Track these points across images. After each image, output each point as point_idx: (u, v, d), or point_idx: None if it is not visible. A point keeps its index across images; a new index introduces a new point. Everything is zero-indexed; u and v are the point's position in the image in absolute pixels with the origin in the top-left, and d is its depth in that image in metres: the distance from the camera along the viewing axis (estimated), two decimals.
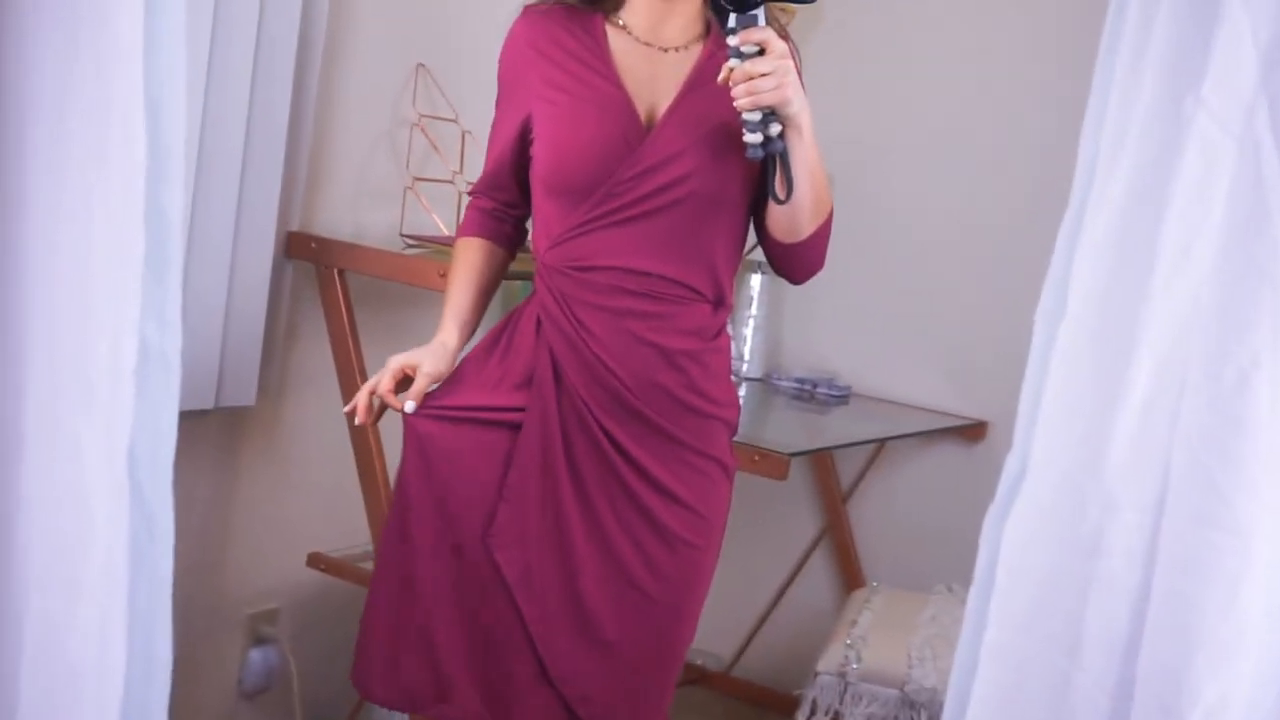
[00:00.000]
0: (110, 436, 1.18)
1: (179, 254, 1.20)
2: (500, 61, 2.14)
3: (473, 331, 2.18)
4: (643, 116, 2.03)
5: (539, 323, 2.06)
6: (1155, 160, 1.07)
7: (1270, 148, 1.02)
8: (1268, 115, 1.02)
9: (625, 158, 2.00)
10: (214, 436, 2.77)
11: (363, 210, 2.96)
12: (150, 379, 1.21)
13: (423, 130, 2.97)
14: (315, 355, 2.87)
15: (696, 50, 2.08)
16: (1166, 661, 1.13)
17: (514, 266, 2.52)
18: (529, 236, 2.21)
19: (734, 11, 1.86)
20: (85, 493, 1.18)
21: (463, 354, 2.15)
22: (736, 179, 2.03)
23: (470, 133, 2.93)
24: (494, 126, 2.15)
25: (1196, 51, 1.04)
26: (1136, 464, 1.15)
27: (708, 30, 2.10)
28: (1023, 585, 1.21)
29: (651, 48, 2.07)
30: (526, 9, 2.10)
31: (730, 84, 1.87)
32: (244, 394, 2.70)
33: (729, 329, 2.16)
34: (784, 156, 1.91)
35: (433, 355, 2.09)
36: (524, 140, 2.09)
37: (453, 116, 2.98)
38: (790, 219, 2.02)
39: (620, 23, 2.08)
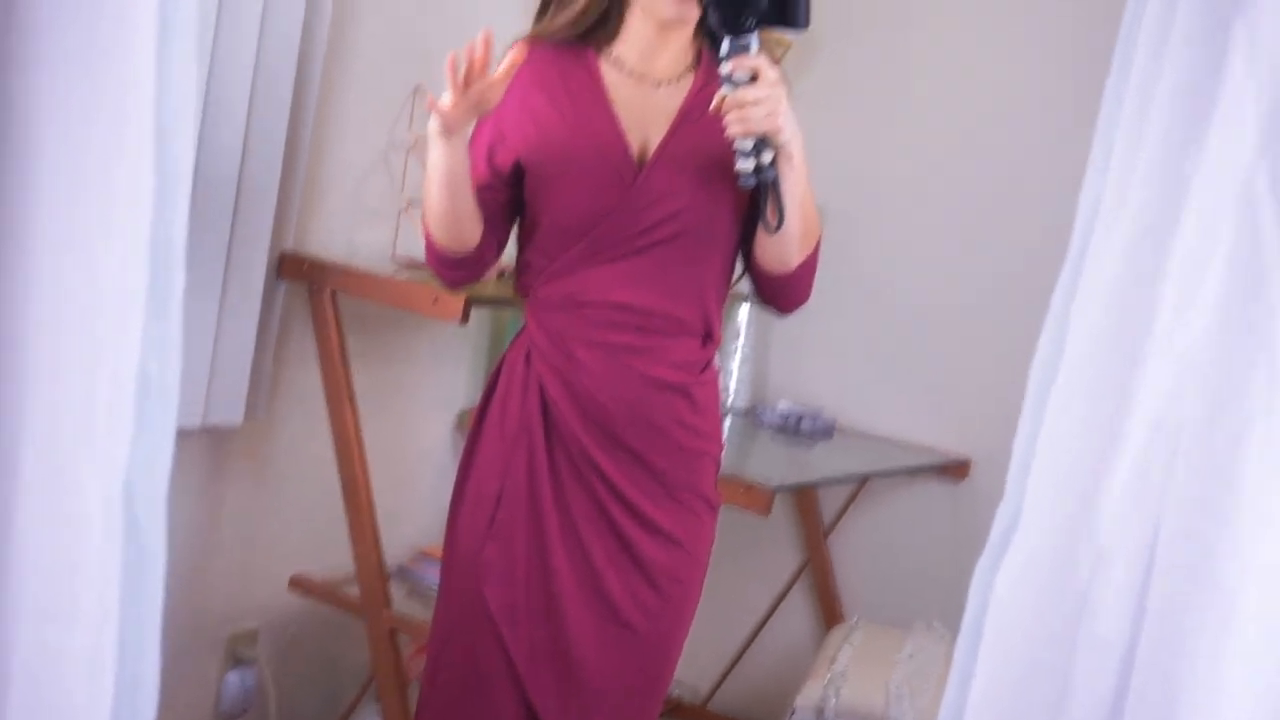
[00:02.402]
0: (108, 469, 1.18)
1: (181, 285, 1.20)
2: None
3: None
4: (635, 151, 2.04)
5: (528, 357, 2.07)
6: (1156, 217, 1.08)
7: (1269, 211, 1.03)
8: (1268, 178, 1.03)
9: (619, 195, 2.01)
10: (199, 455, 2.77)
11: (357, 232, 2.96)
12: (149, 412, 1.21)
13: (418, 153, 2.97)
14: (305, 376, 2.87)
15: (687, 82, 2.09)
16: None
17: (500, 292, 2.52)
18: (509, 267, 2.20)
19: (728, 36, 1.87)
20: (81, 524, 1.18)
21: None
22: (726, 212, 2.04)
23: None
24: (471, 142, 2.11)
25: (1199, 111, 1.06)
26: (1128, 520, 1.16)
27: (698, 61, 2.11)
28: (1011, 638, 1.22)
29: (644, 81, 2.08)
30: (520, 42, 2.10)
31: (722, 111, 1.88)
32: (231, 413, 2.70)
33: (716, 361, 2.18)
34: (775, 185, 1.92)
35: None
36: (493, 159, 2.09)
37: None
38: (780, 249, 2.03)
39: (613, 56, 2.09)
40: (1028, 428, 1.21)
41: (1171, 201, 1.06)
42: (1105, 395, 1.13)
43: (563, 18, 2.08)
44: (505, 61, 1.93)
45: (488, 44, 1.88)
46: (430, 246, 2.11)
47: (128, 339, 1.18)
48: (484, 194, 2.07)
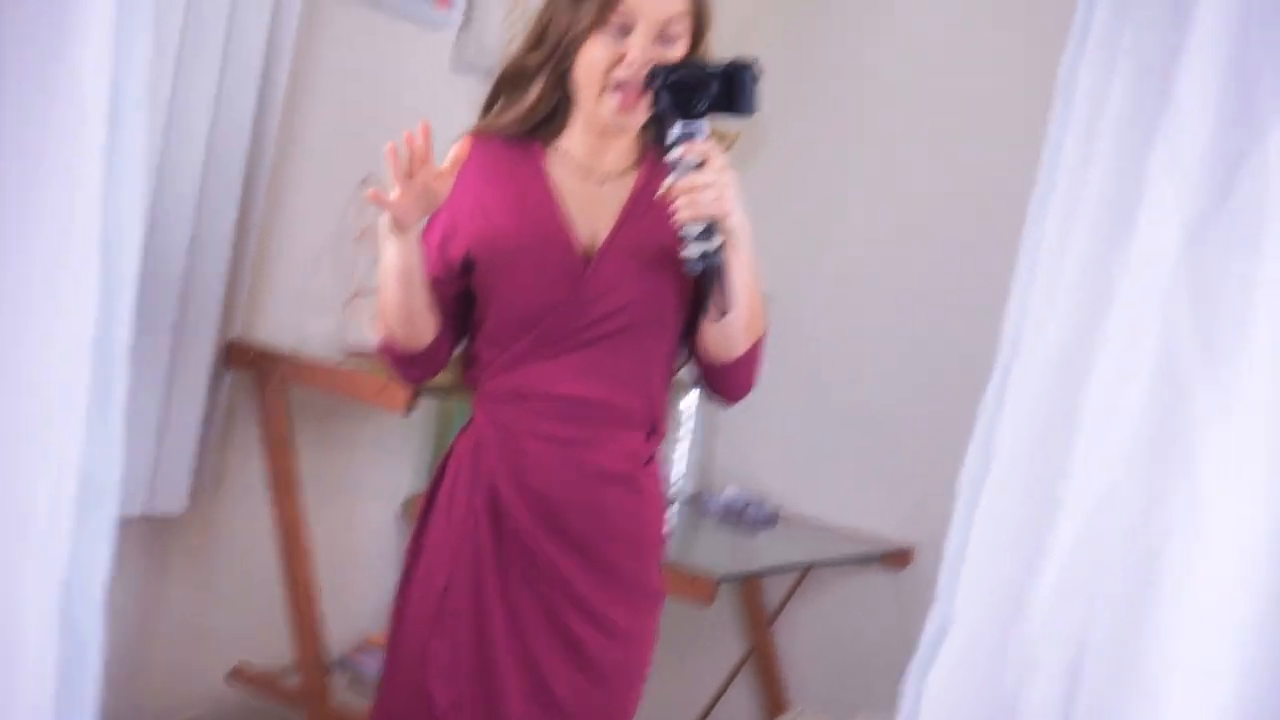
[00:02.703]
0: (47, 567, 1.18)
1: (124, 388, 1.21)
2: None
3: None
4: (583, 245, 2.06)
5: (477, 448, 2.08)
6: (1078, 331, 1.11)
7: (1188, 323, 1.06)
8: (1187, 290, 1.07)
9: (568, 287, 2.03)
10: (141, 543, 2.75)
11: (305, 320, 2.97)
12: (89, 511, 1.21)
13: (367, 242, 2.99)
14: (249, 464, 2.87)
15: (632, 177, 2.11)
16: None
17: (445, 382, 2.52)
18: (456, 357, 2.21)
19: (679, 121, 1.91)
20: (18, 622, 1.18)
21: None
22: (673, 303, 2.07)
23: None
24: (424, 236, 2.11)
25: (1122, 223, 1.09)
26: (1056, 627, 1.18)
27: (642, 157, 2.14)
28: None
29: (590, 176, 2.10)
30: (465, 136, 2.13)
31: (672, 196, 1.90)
32: (174, 502, 2.69)
33: (660, 452, 2.19)
34: (723, 271, 1.94)
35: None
36: (446, 252, 2.09)
37: None
38: (726, 336, 2.04)
39: (559, 151, 2.12)
40: (958, 534, 1.23)
41: (1095, 316, 1.09)
42: (1033, 504, 1.15)
43: (510, 114, 2.10)
44: (450, 154, 1.95)
45: (426, 134, 1.90)
46: (386, 344, 2.11)
47: (69, 440, 1.19)
48: (438, 287, 2.07)
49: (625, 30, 1.99)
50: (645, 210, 2.06)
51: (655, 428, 2.13)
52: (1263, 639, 1.10)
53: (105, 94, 1.22)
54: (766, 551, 3.48)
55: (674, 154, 1.90)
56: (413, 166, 1.90)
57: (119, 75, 1.22)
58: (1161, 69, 1.03)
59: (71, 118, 1.20)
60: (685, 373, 2.22)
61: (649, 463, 2.13)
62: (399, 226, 1.95)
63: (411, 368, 2.14)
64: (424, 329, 2.06)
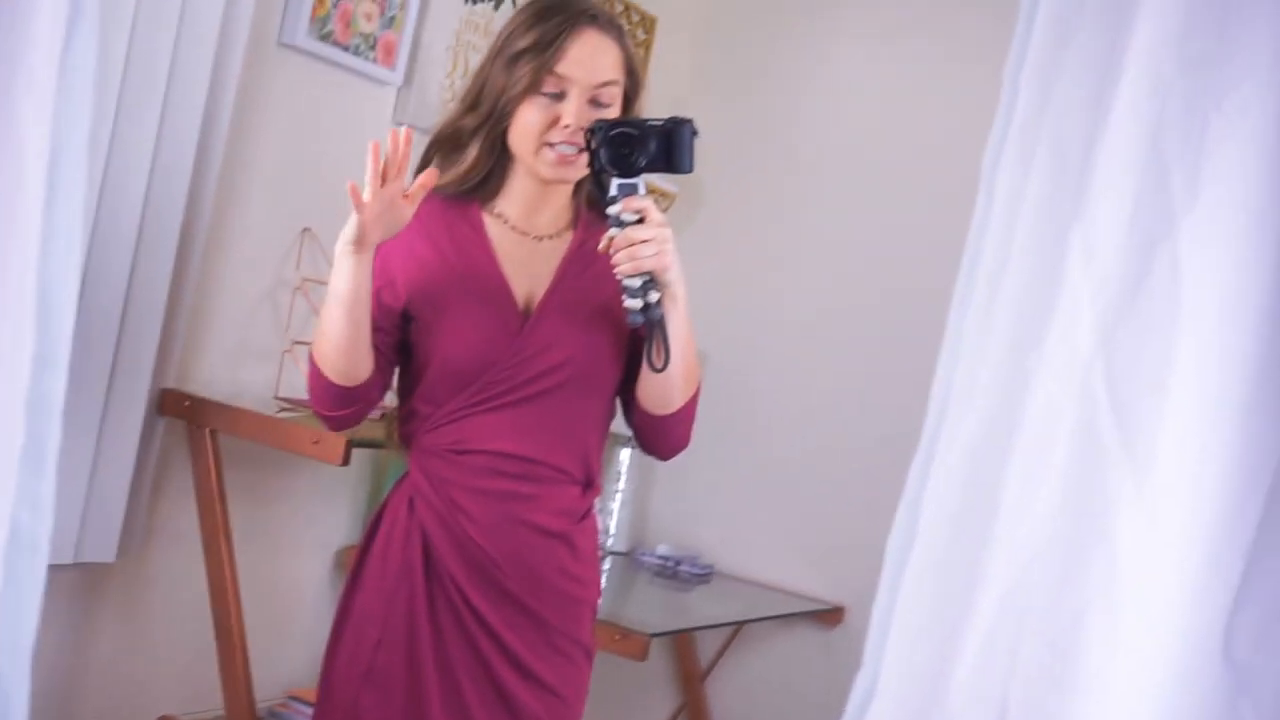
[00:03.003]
0: None
1: (58, 441, 1.21)
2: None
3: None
4: (520, 303, 2.08)
5: (411, 503, 2.08)
6: (1000, 410, 1.14)
7: (1105, 406, 1.09)
8: (1103, 375, 1.10)
9: (506, 343, 2.05)
10: (70, 591, 2.72)
11: (240, 370, 2.97)
12: (18, 564, 1.21)
13: (305, 294, 3.00)
14: (180, 513, 2.85)
15: (568, 237, 2.15)
16: None
17: (378, 434, 2.51)
18: (391, 409, 2.21)
19: (617, 178, 1.93)
20: None
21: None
22: (609, 359, 2.09)
23: None
24: None
25: (1040, 312, 1.12)
26: (978, 694, 1.20)
27: (577, 219, 2.17)
28: None
29: (526, 236, 2.13)
30: (430, 170, 2.14)
31: (611, 250, 1.93)
32: (104, 550, 2.67)
33: (596, 506, 2.20)
34: (662, 324, 1.97)
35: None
36: (383, 299, 2.08)
37: None
38: (663, 389, 2.07)
39: (495, 212, 2.14)
40: (885, 598, 1.25)
41: (1015, 394, 1.12)
42: (956, 572, 1.17)
43: (449, 174, 2.13)
44: (418, 180, 1.97)
45: (408, 139, 1.92)
46: (318, 383, 2.07)
47: (1, 493, 1.18)
48: (374, 335, 2.08)
49: (560, 95, 2.03)
50: (582, 269, 2.09)
51: (591, 482, 2.15)
52: (1179, 704, 1.12)
53: (46, 144, 1.22)
54: (700, 608, 3.50)
55: (613, 209, 1.93)
56: (390, 170, 1.91)
57: (60, 125, 1.22)
58: (1079, 158, 1.06)
59: (10, 168, 1.21)
60: (621, 428, 2.24)
61: (584, 518, 2.14)
62: (359, 242, 1.94)
63: (340, 407, 2.09)
64: (362, 363, 2.03)
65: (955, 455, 1.14)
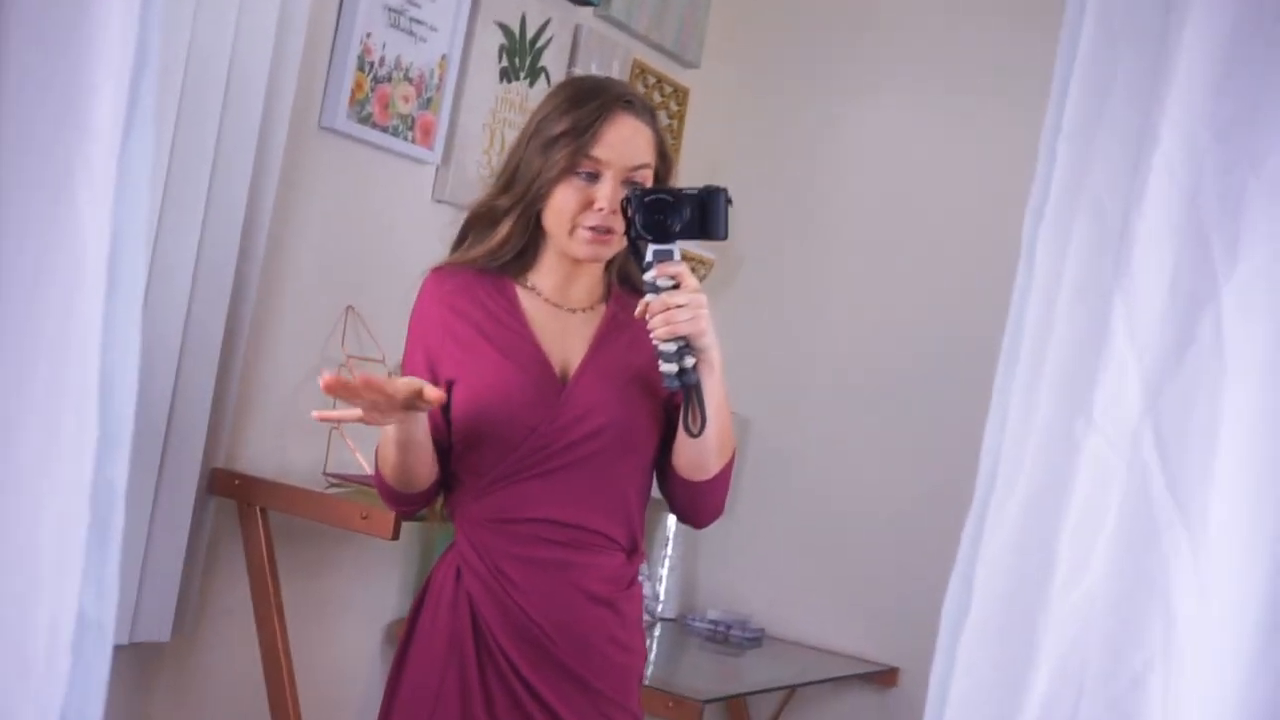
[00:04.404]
0: (42, 708, 1.19)
1: (121, 527, 1.23)
2: (413, 314, 2.20)
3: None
4: (558, 372, 2.11)
5: (459, 573, 2.10)
6: (1050, 476, 1.15)
7: (1155, 469, 1.10)
8: (1152, 438, 1.11)
9: (545, 413, 2.07)
10: (125, 672, 2.74)
11: (288, 448, 2.99)
12: (85, 649, 1.23)
13: (350, 370, 3.02)
14: (233, 591, 2.87)
15: (601, 310, 2.18)
16: None
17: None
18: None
19: (652, 243, 1.96)
20: None
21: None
22: (647, 425, 2.11)
23: (395, 373, 2.98)
24: (403, 371, 2.20)
25: (1086, 377, 1.13)
26: None
27: (609, 292, 2.20)
28: None
29: (560, 309, 2.16)
30: (435, 269, 2.18)
31: (648, 315, 1.96)
32: (159, 630, 2.69)
33: (643, 572, 2.21)
34: (698, 389, 1.99)
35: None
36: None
37: (380, 357, 3.05)
38: (699, 455, 2.08)
39: (529, 285, 2.17)
40: (941, 666, 1.25)
41: (1065, 458, 1.13)
42: (1011, 641, 1.18)
43: (480, 249, 2.16)
44: (430, 393, 1.96)
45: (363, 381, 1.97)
46: (385, 489, 2.16)
47: (68, 578, 1.20)
48: (437, 436, 2.11)
49: (594, 176, 2.06)
50: (617, 337, 2.12)
51: (635, 548, 2.16)
52: None
53: (106, 233, 1.25)
54: (752, 673, 3.48)
55: (649, 274, 1.96)
56: (357, 393, 1.97)
57: (119, 214, 1.25)
58: (1118, 223, 1.08)
59: (71, 256, 1.24)
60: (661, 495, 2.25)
61: (630, 585, 2.15)
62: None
63: (404, 504, 2.19)
64: (422, 481, 2.12)
65: (1007, 522, 1.15)
